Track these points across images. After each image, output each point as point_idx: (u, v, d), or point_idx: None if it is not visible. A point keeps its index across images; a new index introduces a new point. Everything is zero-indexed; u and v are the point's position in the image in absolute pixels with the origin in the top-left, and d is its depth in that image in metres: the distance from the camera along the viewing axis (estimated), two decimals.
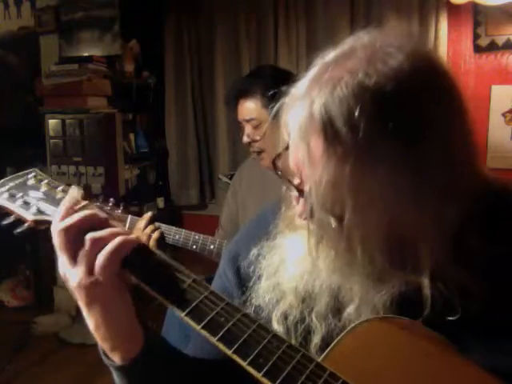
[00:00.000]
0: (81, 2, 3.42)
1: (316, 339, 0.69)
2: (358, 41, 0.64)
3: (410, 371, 0.62)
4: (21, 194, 0.77)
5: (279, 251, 0.74)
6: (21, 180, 0.80)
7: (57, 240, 0.66)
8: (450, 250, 0.62)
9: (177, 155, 3.79)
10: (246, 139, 1.79)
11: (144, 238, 1.72)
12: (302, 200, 0.67)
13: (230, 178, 3.00)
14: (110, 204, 1.80)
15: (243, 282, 0.80)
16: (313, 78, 0.64)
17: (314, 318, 0.69)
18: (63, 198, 0.76)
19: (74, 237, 0.66)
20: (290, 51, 3.38)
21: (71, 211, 0.67)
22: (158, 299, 0.66)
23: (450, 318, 0.63)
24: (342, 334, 0.65)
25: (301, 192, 0.66)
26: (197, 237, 1.80)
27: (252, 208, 1.90)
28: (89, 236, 0.65)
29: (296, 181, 0.67)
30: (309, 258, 0.69)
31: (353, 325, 0.65)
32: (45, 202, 0.76)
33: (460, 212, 0.62)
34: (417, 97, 0.59)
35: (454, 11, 3.02)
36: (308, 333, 0.70)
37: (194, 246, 1.80)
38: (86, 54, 3.37)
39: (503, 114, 3.03)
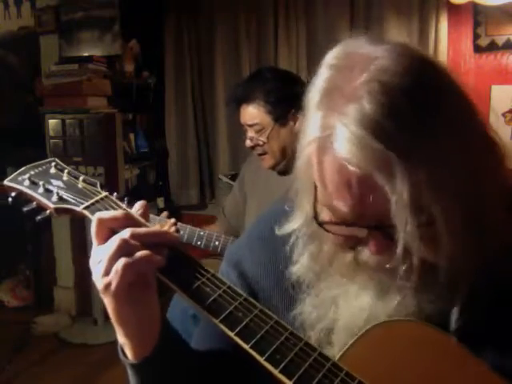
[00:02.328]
0: (81, 2, 3.42)
1: None
2: (352, 56, 0.62)
3: (423, 373, 0.62)
4: (42, 182, 0.77)
5: (333, 305, 0.70)
6: (42, 168, 0.82)
7: (92, 227, 0.66)
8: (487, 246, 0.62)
9: (177, 155, 3.79)
10: (249, 143, 1.80)
11: None
12: (377, 234, 0.61)
13: (230, 178, 3.01)
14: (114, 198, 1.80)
15: (248, 285, 0.80)
16: (326, 106, 0.61)
17: None
18: (85, 187, 0.77)
19: (108, 230, 0.65)
20: (290, 51, 3.38)
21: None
22: (175, 291, 0.65)
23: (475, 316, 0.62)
24: (357, 336, 0.65)
25: (383, 232, 0.60)
26: (202, 233, 1.81)
27: (254, 203, 1.90)
28: (120, 237, 0.63)
29: (353, 225, 0.62)
30: (380, 300, 0.66)
31: (367, 327, 0.65)
32: (66, 191, 0.77)
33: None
34: (437, 93, 0.60)
35: (454, 11, 3.02)
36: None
37: (199, 242, 1.81)
38: (86, 54, 3.37)
39: (503, 114, 3.03)
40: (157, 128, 3.84)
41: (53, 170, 0.81)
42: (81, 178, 0.79)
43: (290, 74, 1.97)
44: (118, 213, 0.66)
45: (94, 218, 0.65)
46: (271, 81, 1.76)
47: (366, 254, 0.64)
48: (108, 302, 0.64)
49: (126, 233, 0.63)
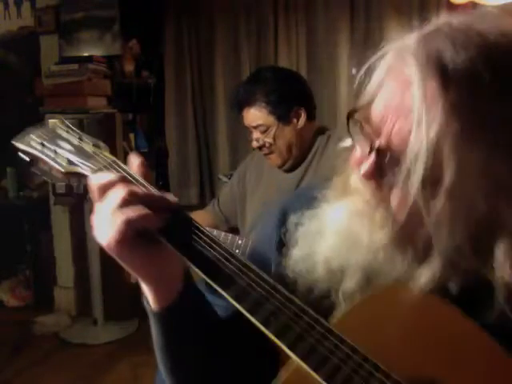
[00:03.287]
0: (81, 2, 3.43)
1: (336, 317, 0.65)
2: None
3: (422, 341, 0.61)
4: (52, 145, 0.73)
5: (319, 219, 0.69)
6: (47, 129, 0.77)
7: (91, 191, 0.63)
8: None
9: (177, 155, 3.79)
10: (255, 144, 1.80)
11: None
12: (373, 156, 0.61)
13: (230, 178, 3.00)
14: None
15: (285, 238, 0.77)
16: (423, 34, 0.66)
17: (340, 296, 0.66)
18: (94, 151, 0.72)
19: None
20: (290, 51, 3.38)
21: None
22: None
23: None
24: (355, 302, 0.63)
25: (374, 147, 0.61)
26: (222, 234, 1.78)
27: (257, 200, 1.90)
28: (117, 195, 0.60)
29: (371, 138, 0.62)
30: (351, 230, 0.65)
31: (366, 295, 0.63)
32: (75, 155, 0.71)
33: None
34: None
35: (454, 11, 3.02)
36: (330, 309, 0.66)
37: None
38: (85, 54, 3.38)
39: None
40: (157, 128, 3.84)
41: (60, 132, 0.76)
42: (90, 142, 0.73)
43: (289, 71, 1.98)
44: (114, 176, 0.62)
45: (91, 182, 0.62)
46: (271, 81, 1.77)
47: (357, 181, 0.65)
48: (117, 258, 0.62)
49: (122, 191, 0.60)
